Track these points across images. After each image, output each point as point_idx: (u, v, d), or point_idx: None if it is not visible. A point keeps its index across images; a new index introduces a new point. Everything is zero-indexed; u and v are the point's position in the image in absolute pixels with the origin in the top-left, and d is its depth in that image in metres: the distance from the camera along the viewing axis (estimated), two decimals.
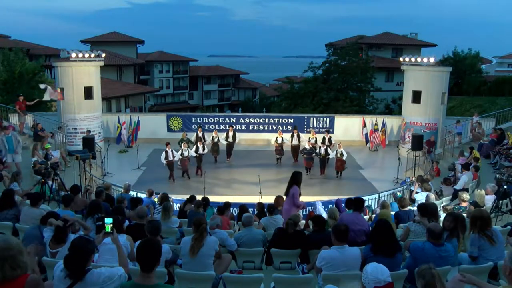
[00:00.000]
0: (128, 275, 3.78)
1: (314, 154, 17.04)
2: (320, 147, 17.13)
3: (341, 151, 16.56)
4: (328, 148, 17.02)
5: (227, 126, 20.00)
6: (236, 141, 18.71)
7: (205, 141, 17.80)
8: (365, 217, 8.52)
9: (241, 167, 17.89)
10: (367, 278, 3.23)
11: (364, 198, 12.12)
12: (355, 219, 6.65)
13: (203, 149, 16.96)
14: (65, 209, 7.28)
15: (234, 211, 10.88)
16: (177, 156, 16.04)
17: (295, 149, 18.51)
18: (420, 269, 3.36)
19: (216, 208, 10.87)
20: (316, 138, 18.21)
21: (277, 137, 18.53)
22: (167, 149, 15.90)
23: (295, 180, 8.89)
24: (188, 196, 10.71)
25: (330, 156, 16.87)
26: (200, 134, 17.87)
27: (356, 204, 7.14)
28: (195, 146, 16.81)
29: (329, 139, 17.95)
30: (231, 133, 18.52)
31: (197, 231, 5.23)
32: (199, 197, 10.36)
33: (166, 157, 15.85)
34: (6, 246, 2.98)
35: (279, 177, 16.62)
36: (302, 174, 9.31)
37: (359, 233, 6.44)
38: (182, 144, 16.62)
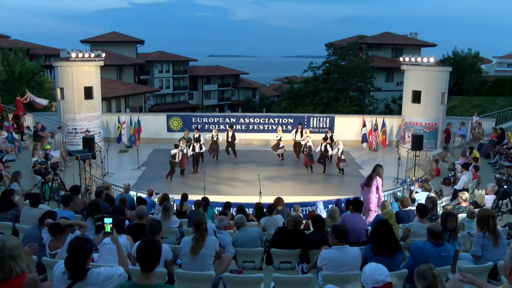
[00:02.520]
0: (128, 275, 3.78)
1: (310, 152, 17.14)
2: (321, 144, 17.24)
3: (338, 148, 16.75)
4: (328, 145, 17.08)
5: (227, 126, 19.98)
6: (236, 141, 18.69)
7: (199, 141, 17.68)
8: (363, 217, 8.56)
9: (241, 167, 17.89)
10: (365, 278, 3.23)
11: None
12: (356, 219, 6.68)
13: (200, 148, 17.00)
14: (64, 209, 7.27)
15: (234, 211, 10.89)
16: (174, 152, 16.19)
17: (298, 145, 18.61)
18: (420, 269, 3.34)
19: (216, 209, 10.92)
20: (309, 137, 18.25)
21: (277, 135, 18.74)
22: (176, 150, 16.05)
23: (377, 172, 9.63)
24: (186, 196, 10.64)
25: (329, 154, 16.96)
26: (196, 135, 17.64)
27: (355, 205, 7.19)
28: (191, 146, 16.83)
29: (331, 137, 17.99)
30: (230, 133, 18.47)
31: (198, 231, 5.23)
32: (198, 197, 10.36)
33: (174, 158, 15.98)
34: (4, 246, 2.99)
35: (280, 177, 16.66)
36: (383, 166, 10.03)
37: (361, 233, 6.47)
38: (181, 142, 16.65)
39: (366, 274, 3.24)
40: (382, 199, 9.90)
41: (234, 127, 19.80)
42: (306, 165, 17.23)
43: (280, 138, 18.53)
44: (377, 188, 9.46)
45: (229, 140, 18.42)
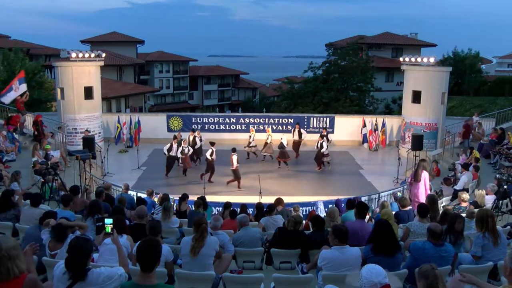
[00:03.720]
0: (128, 275, 3.78)
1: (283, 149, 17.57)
2: (318, 142, 17.51)
3: (321, 143, 17.16)
4: (324, 143, 17.25)
5: (189, 129, 19.05)
6: (197, 147, 17.49)
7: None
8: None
9: (241, 167, 17.79)
10: (362, 281, 3.21)
11: (364, 198, 12.17)
12: (362, 226, 6.46)
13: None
14: (64, 209, 7.27)
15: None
16: (178, 154, 16.14)
17: (297, 145, 18.76)
18: (422, 269, 3.33)
19: (216, 209, 10.92)
20: (271, 135, 18.38)
21: (250, 134, 18.79)
22: (172, 142, 16.12)
23: (423, 166, 10.20)
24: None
25: (322, 150, 17.24)
26: (174, 145, 16.48)
27: (361, 210, 6.62)
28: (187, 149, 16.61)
29: (326, 136, 18.09)
30: (191, 137, 17.41)
31: (198, 231, 5.23)
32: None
33: (170, 150, 16.11)
34: (1, 247, 2.98)
35: (280, 177, 16.66)
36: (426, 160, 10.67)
37: (362, 244, 6.29)
38: (182, 142, 16.59)
39: (363, 277, 3.22)
40: (429, 191, 10.33)
41: (196, 129, 18.92)
42: (283, 162, 17.55)
43: (253, 137, 18.56)
44: (424, 181, 10.00)
45: (190, 144, 17.15)
